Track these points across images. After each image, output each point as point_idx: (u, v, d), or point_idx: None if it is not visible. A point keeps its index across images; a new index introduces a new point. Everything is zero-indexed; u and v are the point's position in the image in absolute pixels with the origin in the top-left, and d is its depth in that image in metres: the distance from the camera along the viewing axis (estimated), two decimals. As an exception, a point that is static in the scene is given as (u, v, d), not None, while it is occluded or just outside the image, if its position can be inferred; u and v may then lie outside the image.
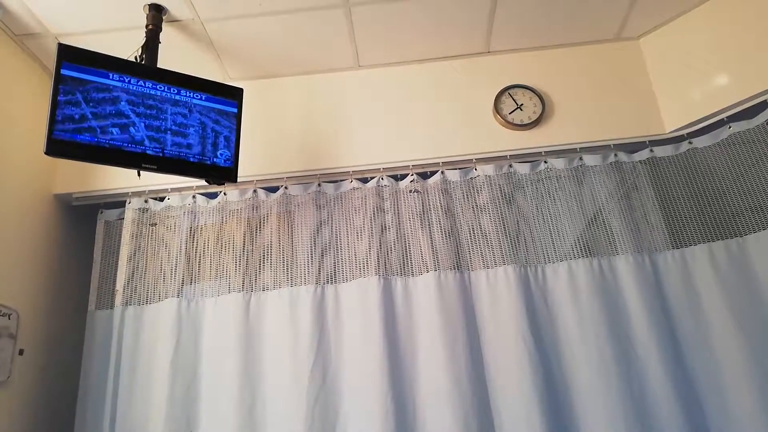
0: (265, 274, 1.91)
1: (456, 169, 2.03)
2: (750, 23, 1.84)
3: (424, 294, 1.82)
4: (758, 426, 1.56)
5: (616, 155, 2.00)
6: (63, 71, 1.51)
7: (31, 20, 1.80)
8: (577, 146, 2.01)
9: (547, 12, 1.97)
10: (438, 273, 1.83)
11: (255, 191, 2.05)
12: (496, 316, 1.78)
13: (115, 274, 1.96)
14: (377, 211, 1.97)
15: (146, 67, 1.70)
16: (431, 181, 2.02)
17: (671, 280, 1.79)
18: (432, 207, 1.96)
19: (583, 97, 2.07)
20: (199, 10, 1.82)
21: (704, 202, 1.86)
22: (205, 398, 1.77)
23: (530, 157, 2.03)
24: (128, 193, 2.03)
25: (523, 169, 2.01)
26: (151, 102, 1.63)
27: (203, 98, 1.72)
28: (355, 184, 2.03)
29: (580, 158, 2.01)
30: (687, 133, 1.97)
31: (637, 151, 2.01)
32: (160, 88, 1.65)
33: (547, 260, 1.86)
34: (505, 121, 2.03)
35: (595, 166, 1.98)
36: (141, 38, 1.77)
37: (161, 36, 1.80)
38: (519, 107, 2.05)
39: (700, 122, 1.93)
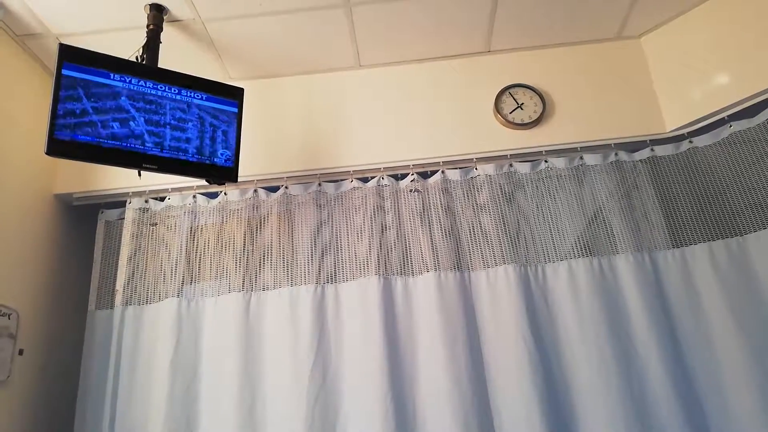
0: (265, 273, 1.91)
1: (456, 168, 2.03)
2: (750, 22, 1.84)
3: (424, 294, 1.82)
4: (758, 425, 1.55)
5: (616, 154, 1.99)
6: (64, 71, 1.52)
7: (32, 20, 1.81)
8: (578, 145, 2.01)
9: (547, 11, 1.97)
10: (438, 273, 1.83)
11: (255, 191, 2.05)
12: (496, 315, 1.78)
13: (116, 274, 1.96)
14: (377, 210, 1.97)
15: (147, 67, 1.70)
16: (431, 180, 2.02)
17: (671, 279, 1.79)
18: (432, 206, 1.96)
19: (583, 97, 2.07)
20: (199, 10, 1.82)
21: (705, 201, 1.86)
22: (205, 398, 1.77)
23: (531, 157, 2.03)
24: (129, 193, 2.04)
25: (523, 168, 2.01)
26: (151, 101, 1.63)
27: (204, 98, 1.72)
28: (356, 183, 2.03)
29: (581, 157, 2.01)
30: (687, 132, 1.97)
31: (637, 150, 2.01)
32: (161, 87, 1.65)
33: (547, 259, 1.86)
34: (506, 120, 2.03)
35: (596, 165, 1.98)
36: (142, 38, 1.77)
37: (162, 36, 1.81)
38: (519, 106, 2.05)
39: (701, 121, 1.93)
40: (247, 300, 1.87)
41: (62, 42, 1.60)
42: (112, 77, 1.58)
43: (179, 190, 2.06)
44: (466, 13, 1.94)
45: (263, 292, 1.89)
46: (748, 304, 1.68)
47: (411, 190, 2.00)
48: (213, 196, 2.06)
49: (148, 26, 1.78)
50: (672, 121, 1.99)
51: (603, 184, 1.95)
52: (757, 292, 1.69)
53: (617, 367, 1.67)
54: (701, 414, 1.62)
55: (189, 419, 1.75)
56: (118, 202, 2.06)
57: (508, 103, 2.06)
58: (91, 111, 1.53)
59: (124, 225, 2.01)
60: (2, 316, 1.69)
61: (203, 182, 1.93)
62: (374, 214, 1.96)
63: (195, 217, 2.02)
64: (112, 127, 1.55)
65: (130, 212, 2.02)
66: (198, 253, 1.97)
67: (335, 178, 2.06)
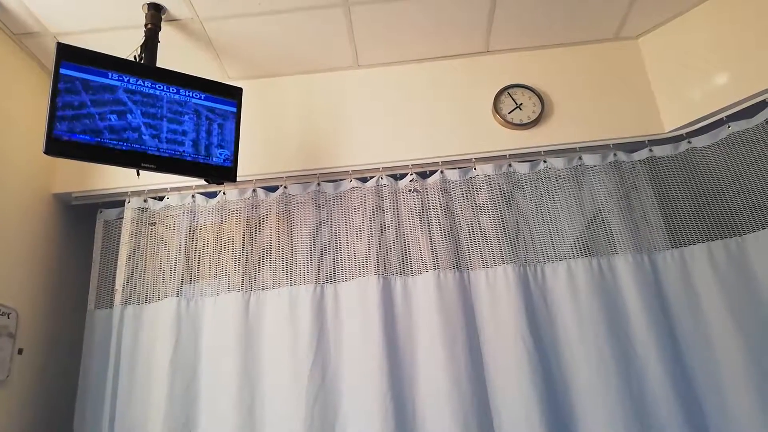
0: (264, 273, 1.91)
1: (455, 168, 2.03)
2: (749, 23, 1.84)
3: (424, 293, 1.82)
4: (757, 425, 1.56)
5: (615, 155, 2.00)
6: (62, 70, 1.51)
7: (30, 19, 1.80)
8: (577, 146, 2.01)
9: (546, 12, 1.97)
10: (437, 272, 1.84)
11: (254, 191, 2.04)
12: (495, 315, 1.78)
13: (115, 273, 1.96)
14: (377, 210, 1.97)
15: (145, 66, 1.70)
16: (430, 180, 2.02)
17: (670, 279, 1.79)
18: (431, 206, 1.97)
19: (582, 97, 2.07)
20: (198, 9, 1.81)
21: (703, 201, 1.86)
22: (204, 397, 1.77)
23: (529, 157, 2.03)
24: (127, 192, 2.03)
25: (522, 168, 2.01)
26: (150, 101, 1.63)
27: (202, 97, 1.72)
28: (355, 183, 2.03)
29: (580, 158, 2.01)
30: (686, 133, 1.97)
31: (636, 151, 2.01)
32: (159, 87, 1.65)
33: (546, 260, 1.87)
34: (505, 120, 2.03)
35: (595, 165, 1.99)
36: (140, 37, 1.77)
37: (160, 35, 1.80)
38: (518, 107, 2.05)
39: (699, 122, 1.93)
40: (247, 300, 1.87)
41: (60, 41, 1.59)
42: (110, 76, 1.58)
43: (178, 189, 2.05)
44: (464, 13, 1.94)
45: (262, 291, 1.89)
46: (747, 304, 1.69)
47: (410, 190, 2.00)
48: (212, 195, 2.05)
49: (146, 25, 1.78)
50: (670, 122, 1.99)
51: (602, 184, 1.96)
52: (755, 292, 1.70)
53: (616, 367, 1.67)
54: (700, 414, 1.63)
55: (188, 419, 1.75)
56: (116, 202, 2.05)
57: (506, 104, 2.06)
58: (89, 110, 1.53)
59: (123, 224, 2.01)
60: (1, 315, 1.69)
61: (202, 182, 1.93)
62: (373, 213, 1.96)
63: (194, 216, 2.02)
64: (110, 119, 1.55)
65: (129, 212, 2.02)
66: (197, 253, 1.97)
67: (334, 178, 2.06)
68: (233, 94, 1.78)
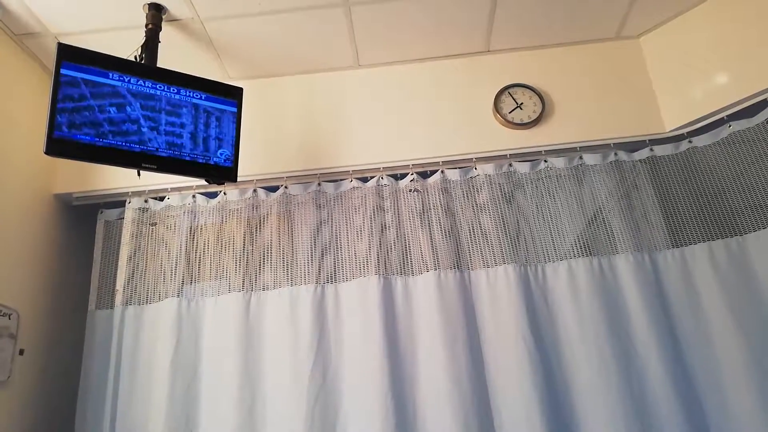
0: (265, 273, 1.91)
1: (456, 168, 2.03)
2: (750, 22, 1.84)
3: (424, 293, 1.82)
4: (757, 424, 1.56)
5: (616, 154, 2.00)
6: (63, 71, 1.51)
7: (31, 20, 1.80)
8: (577, 145, 2.01)
9: (546, 11, 1.96)
10: (438, 272, 1.84)
11: (255, 191, 2.04)
12: (496, 315, 1.78)
13: (115, 273, 1.96)
14: (377, 210, 1.97)
15: (146, 66, 1.70)
16: (431, 180, 2.02)
17: (671, 279, 1.79)
18: (432, 206, 1.96)
19: (582, 96, 2.07)
20: (198, 10, 1.81)
21: (704, 200, 1.86)
22: (205, 398, 1.77)
23: (530, 156, 2.03)
24: (128, 192, 2.03)
25: (523, 168, 2.01)
26: (150, 101, 1.63)
27: (203, 97, 1.72)
28: (355, 183, 2.03)
29: (580, 157, 2.01)
30: (687, 132, 1.97)
31: (637, 150, 2.01)
32: (160, 87, 1.65)
33: (547, 259, 1.87)
34: (505, 120, 2.03)
35: (595, 165, 1.98)
36: (141, 37, 1.77)
37: (161, 35, 1.80)
38: (519, 106, 2.05)
39: (700, 121, 1.93)
40: (247, 300, 1.87)
41: (61, 41, 1.59)
42: (111, 76, 1.58)
43: (179, 189, 2.05)
44: (465, 13, 1.94)
45: (263, 291, 1.89)
46: (748, 303, 1.69)
47: (410, 190, 2.00)
48: (212, 195, 2.05)
49: (146, 25, 1.78)
50: (671, 121, 1.99)
51: (602, 183, 1.95)
52: (756, 291, 1.70)
53: (617, 366, 1.67)
54: (701, 413, 1.63)
55: (189, 419, 1.75)
56: (117, 202, 2.06)
57: (507, 103, 2.06)
58: (90, 111, 1.53)
59: (124, 225, 2.01)
60: (2, 316, 1.69)
61: (203, 182, 1.93)
62: (374, 213, 1.96)
63: (195, 216, 2.02)
64: (111, 119, 1.55)
65: (130, 212, 2.02)
66: (198, 253, 1.97)
67: (335, 178, 2.06)
68: (234, 94, 1.78)
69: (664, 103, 2.02)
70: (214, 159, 1.72)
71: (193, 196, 2.04)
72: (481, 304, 1.82)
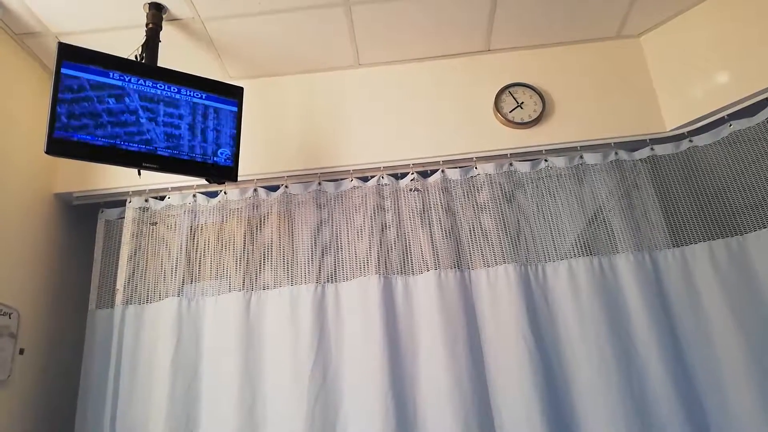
0: (265, 273, 1.91)
1: (456, 167, 2.03)
2: (751, 21, 1.84)
3: (425, 293, 1.82)
4: (758, 424, 1.56)
5: (616, 153, 1.99)
6: (63, 70, 1.51)
7: (31, 19, 1.80)
8: (578, 144, 2.01)
9: (547, 10, 1.96)
10: (438, 272, 1.83)
11: (255, 190, 2.04)
12: (496, 314, 1.78)
13: (116, 273, 1.96)
14: (377, 209, 1.97)
15: (146, 65, 1.70)
16: (431, 179, 2.02)
17: (671, 278, 1.79)
18: (432, 206, 1.96)
19: (583, 96, 2.06)
20: (199, 9, 1.81)
21: (705, 200, 1.86)
22: (205, 397, 1.77)
23: (531, 156, 2.03)
24: (129, 192, 2.03)
25: (523, 167, 2.01)
26: (151, 100, 1.63)
27: (203, 97, 1.72)
28: (356, 182, 2.03)
29: (581, 156, 2.01)
30: (687, 131, 1.97)
31: (637, 150, 2.01)
32: (161, 86, 1.65)
33: (547, 259, 1.86)
34: (506, 119, 2.03)
35: (596, 164, 1.98)
36: (141, 37, 1.77)
37: (161, 35, 1.80)
38: (519, 105, 2.05)
39: (701, 120, 1.93)
40: (248, 299, 1.87)
41: (61, 41, 1.59)
42: (111, 76, 1.58)
43: (179, 189, 2.05)
44: (465, 12, 1.94)
45: (263, 291, 1.89)
46: (748, 303, 1.69)
47: (411, 190, 2.00)
48: (213, 195, 2.05)
49: (147, 25, 1.78)
50: (672, 120, 1.99)
51: (603, 183, 1.95)
52: (757, 291, 1.69)
53: (617, 366, 1.67)
54: (701, 412, 1.63)
55: (189, 418, 1.75)
56: (118, 202, 2.06)
57: (507, 102, 2.06)
58: (90, 110, 1.53)
59: (124, 224, 2.01)
60: (3, 315, 1.69)
61: (203, 181, 1.93)
62: (374, 213, 1.96)
63: (195, 216, 2.02)
64: (111, 119, 1.55)
65: (130, 211, 2.02)
66: (198, 253, 1.97)
67: (335, 178, 2.06)
68: (234, 94, 1.78)
69: (664, 102, 2.02)
70: (215, 158, 1.72)
71: (194, 196, 2.04)
72: (482, 303, 1.82)
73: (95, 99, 1.55)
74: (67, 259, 2.05)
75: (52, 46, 1.83)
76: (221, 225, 2.01)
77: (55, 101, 1.49)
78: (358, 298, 1.83)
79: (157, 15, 1.78)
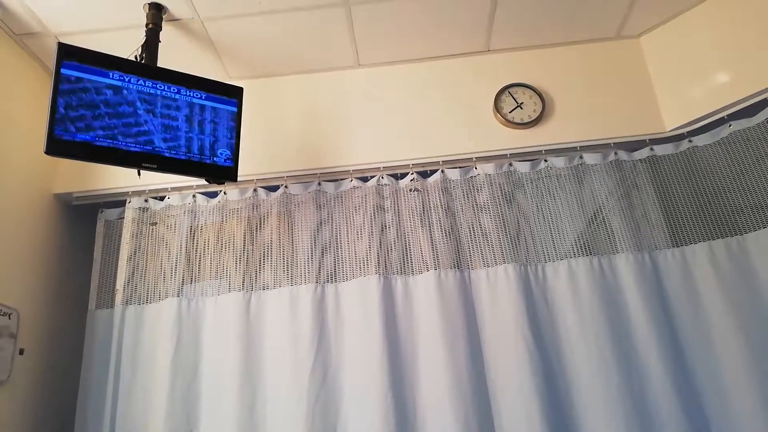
0: (265, 273, 1.91)
1: (456, 167, 2.03)
2: (750, 21, 1.84)
3: (424, 293, 1.82)
4: (758, 423, 1.56)
5: (616, 154, 2.00)
6: (63, 70, 1.51)
7: (31, 19, 1.80)
8: (577, 145, 2.01)
9: (547, 11, 1.97)
10: (438, 272, 1.83)
11: (255, 190, 2.05)
12: (496, 314, 1.78)
13: (116, 273, 1.96)
14: (377, 209, 1.97)
15: (146, 66, 1.70)
16: (431, 179, 2.02)
17: (671, 278, 1.79)
18: (432, 206, 1.97)
19: (583, 96, 2.07)
20: (198, 9, 1.81)
21: (704, 200, 1.86)
22: (205, 397, 1.77)
23: (530, 156, 2.03)
24: (128, 192, 2.03)
25: (523, 167, 2.01)
26: (150, 100, 1.63)
27: (203, 97, 1.72)
28: (356, 183, 2.03)
29: (580, 157, 2.01)
30: (687, 132, 1.97)
31: (637, 150, 2.01)
32: (160, 86, 1.65)
33: (547, 259, 1.86)
34: (505, 119, 2.03)
35: (595, 164, 1.98)
36: (141, 37, 1.77)
37: (161, 35, 1.80)
38: (519, 106, 2.05)
39: (701, 120, 1.93)
40: (247, 299, 1.87)
41: (61, 41, 1.59)
42: (111, 76, 1.58)
43: (179, 189, 2.05)
44: (465, 13, 1.94)
45: (263, 291, 1.89)
46: (748, 303, 1.69)
47: (411, 190, 2.00)
48: (213, 195, 2.05)
49: (147, 25, 1.78)
50: (671, 121, 1.99)
51: (603, 183, 1.95)
52: (756, 291, 1.69)
53: (617, 365, 1.67)
54: (701, 412, 1.63)
55: (189, 418, 1.75)
56: (117, 202, 2.06)
57: (507, 103, 2.06)
58: (90, 110, 1.53)
59: (124, 224, 2.01)
60: (2, 315, 1.69)
61: (203, 182, 1.93)
62: (374, 213, 1.96)
63: (195, 216, 2.02)
64: (111, 118, 1.55)
65: (130, 212, 2.02)
66: (198, 253, 1.97)
67: (335, 178, 2.06)
68: (234, 94, 1.78)
69: (664, 102, 2.02)
70: (214, 158, 1.72)
71: (194, 196, 2.04)
72: (482, 303, 1.82)
73: (95, 99, 1.55)
74: (67, 260, 2.05)
75: (52, 46, 1.83)
76: (221, 225, 2.01)
77: (55, 101, 1.49)
78: (357, 298, 1.83)
79: (156, 15, 1.78)
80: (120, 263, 1.96)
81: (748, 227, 1.76)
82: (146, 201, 2.05)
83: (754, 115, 1.84)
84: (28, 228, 1.88)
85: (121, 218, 2.04)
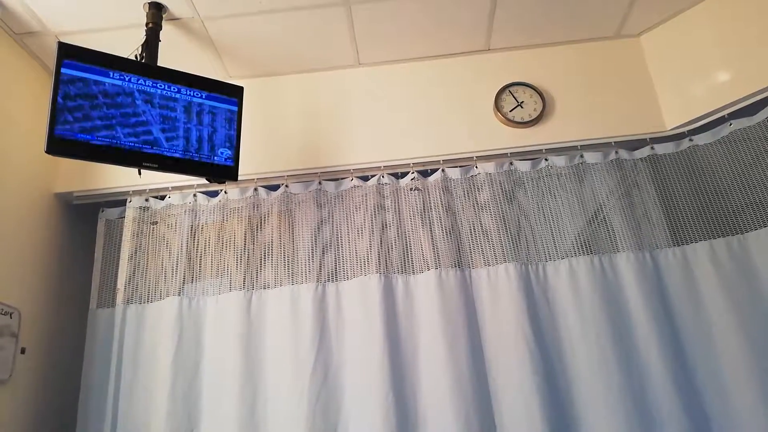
0: (266, 272, 1.92)
1: (457, 166, 2.03)
2: (751, 20, 1.84)
3: (425, 292, 1.82)
4: (759, 422, 1.56)
5: (616, 152, 1.99)
6: (63, 70, 1.51)
7: (32, 19, 1.80)
8: (578, 143, 2.01)
9: (547, 9, 1.96)
10: (439, 271, 1.84)
11: (256, 189, 2.05)
12: (497, 313, 1.78)
13: (116, 272, 1.96)
14: (378, 209, 1.97)
15: (146, 65, 1.70)
16: (432, 179, 2.02)
17: (672, 277, 1.79)
18: (433, 205, 1.97)
19: (583, 95, 2.06)
20: (199, 9, 1.81)
21: (705, 199, 1.86)
22: (206, 396, 1.77)
23: (531, 155, 2.03)
24: (129, 191, 2.04)
25: (523, 166, 2.01)
26: (150, 99, 1.63)
27: (204, 96, 1.72)
28: (356, 182, 2.03)
29: (581, 156, 2.01)
30: (688, 131, 1.97)
31: (637, 149, 2.01)
32: (161, 86, 1.65)
33: (548, 258, 1.86)
34: (506, 118, 2.03)
35: (596, 163, 1.98)
36: (141, 37, 1.77)
37: (161, 34, 1.80)
38: (519, 105, 2.05)
39: (701, 119, 1.93)
40: (248, 298, 1.87)
41: (61, 40, 1.59)
42: (111, 75, 1.58)
43: (179, 188, 2.06)
44: (465, 12, 1.94)
45: (264, 290, 1.89)
46: (749, 301, 1.69)
47: (411, 189, 2.00)
48: (213, 194, 2.06)
49: (147, 24, 1.78)
50: (672, 120, 1.98)
51: (603, 182, 1.95)
52: (757, 290, 1.69)
53: (618, 364, 1.67)
54: (702, 411, 1.63)
55: (190, 417, 1.75)
56: (118, 201, 2.06)
57: (508, 102, 2.06)
58: (90, 110, 1.53)
59: (125, 224, 2.01)
60: (4, 314, 1.69)
61: (203, 181, 1.93)
62: (375, 212, 1.96)
63: (195, 215, 2.02)
64: (111, 118, 1.55)
65: (131, 211, 2.02)
66: (199, 252, 1.97)
67: (335, 177, 2.06)
68: (234, 93, 1.78)
69: (664, 101, 2.02)
70: (215, 158, 1.72)
71: (194, 195, 2.04)
72: (482, 302, 1.82)
73: (95, 98, 1.55)
74: (68, 259, 2.05)
75: (52, 45, 1.83)
76: (222, 224, 2.01)
77: (55, 101, 1.49)
78: (358, 297, 1.83)
79: (157, 14, 1.78)
80: (121, 262, 1.96)
81: (749, 226, 1.76)
82: (147, 200, 2.05)
83: (755, 113, 1.83)
84: (29, 227, 1.88)
85: (122, 217, 2.04)
